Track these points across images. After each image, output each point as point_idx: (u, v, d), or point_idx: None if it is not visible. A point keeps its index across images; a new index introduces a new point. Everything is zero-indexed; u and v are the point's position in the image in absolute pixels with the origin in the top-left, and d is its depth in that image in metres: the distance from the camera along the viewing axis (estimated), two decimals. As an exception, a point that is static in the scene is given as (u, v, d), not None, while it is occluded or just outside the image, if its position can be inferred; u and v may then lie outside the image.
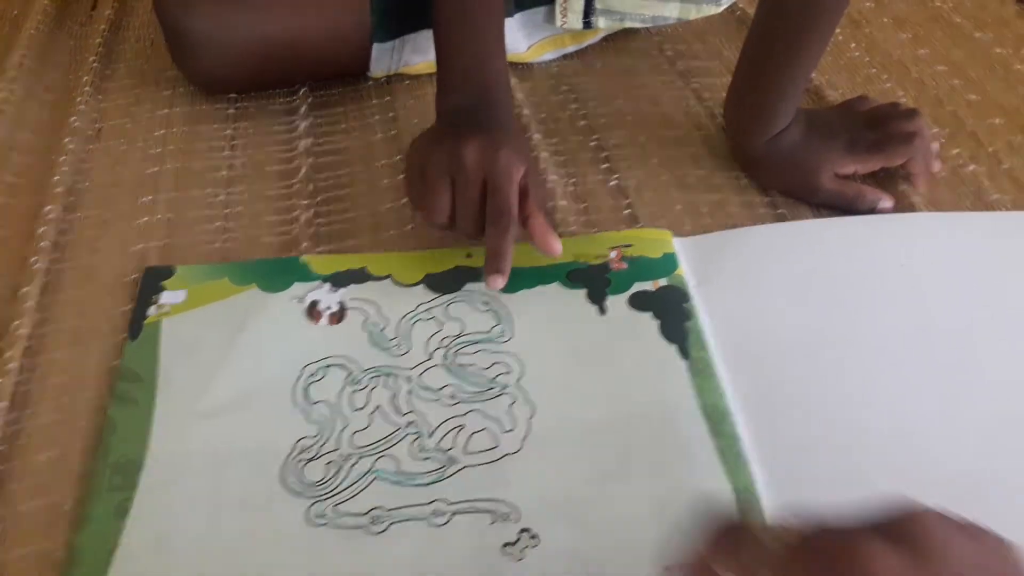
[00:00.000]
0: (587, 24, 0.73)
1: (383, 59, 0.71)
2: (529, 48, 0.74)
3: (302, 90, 0.72)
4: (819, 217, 0.60)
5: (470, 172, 0.51)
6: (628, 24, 0.75)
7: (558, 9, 0.72)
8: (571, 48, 0.77)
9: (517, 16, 0.72)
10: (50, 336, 0.52)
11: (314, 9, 0.67)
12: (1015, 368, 0.49)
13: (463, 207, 0.51)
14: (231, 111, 0.71)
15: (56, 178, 0.63)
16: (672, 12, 0.74)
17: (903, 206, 0.60)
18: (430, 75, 0.72)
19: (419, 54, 0.72)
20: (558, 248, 0.51)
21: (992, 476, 0.44)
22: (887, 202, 0.60)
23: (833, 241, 0.57)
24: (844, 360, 0.50)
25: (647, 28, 0.80)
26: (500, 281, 0.50)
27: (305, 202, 0.62)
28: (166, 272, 0.55)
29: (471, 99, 0.56)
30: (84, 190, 0.63)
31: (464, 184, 0.51)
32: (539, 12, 0.73)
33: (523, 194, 0.52)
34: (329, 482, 0.44)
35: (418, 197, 0.53)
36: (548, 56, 0.76)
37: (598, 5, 0.72)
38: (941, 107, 0.71)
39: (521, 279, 0.54)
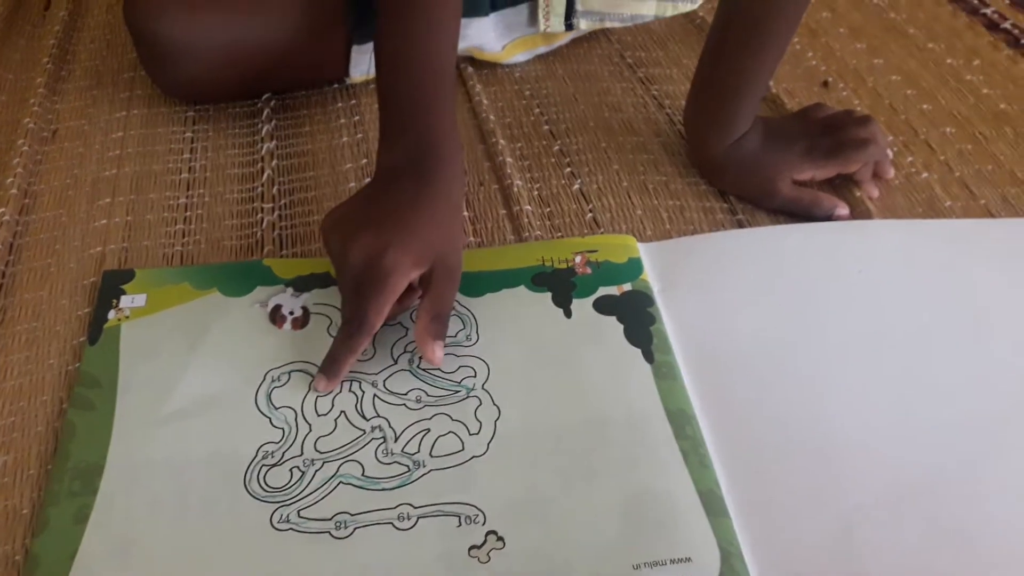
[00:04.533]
0: (569, 26, 0.74)
1: (362, 62, 0.70)
2: (503, 48, 0.74)
3: (265, 94, 0.72)
4: (777, 223, 0.61)
5: (347, 276, 0.49)
6: (608, 24, 0.75)
7: (540, 13, 0.73)
8: (543, 49, 0.77)
9: (492, 16, 0.72)
10: (6, 339, 0.51)
11: (290, 14, 0.66)
12: (969, 370, 0.51)
13: (343, 303, 0.49)
14: (190, 114, 0.70)
15: (10, 180, 0.62)
16: (650, 10, 0.75)
17: (859, 213, 0.62)
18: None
19: None
20: (438, 357, 0.48)
21: (948, 476, 0.45)
22: (843, 209, 0.61)
23: (794, 247, 0.58)
24: (804, 364, 0.51)
25: (608, 36, 0.80)
26: (323, 384, 0.48)
27: (269, 205, 0.61)
28: (126, 276, 0.54)
29: (410, 156, 0.52)
30: (39, 192, 0.62)
31: (342, 285, 0.50)
32: (513, 12, 0.73)
33: (424, 292, 0.49)
34: (293, 487, 0.44)
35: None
36: (520, 57, 0.76)
37: (579, 7, 0.73)
38: (895, 116, 0.72)
39: (486, 283, 0.54)
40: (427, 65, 0.53)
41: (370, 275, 0.47)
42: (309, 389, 0.48)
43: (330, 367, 0.48)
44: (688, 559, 0.41)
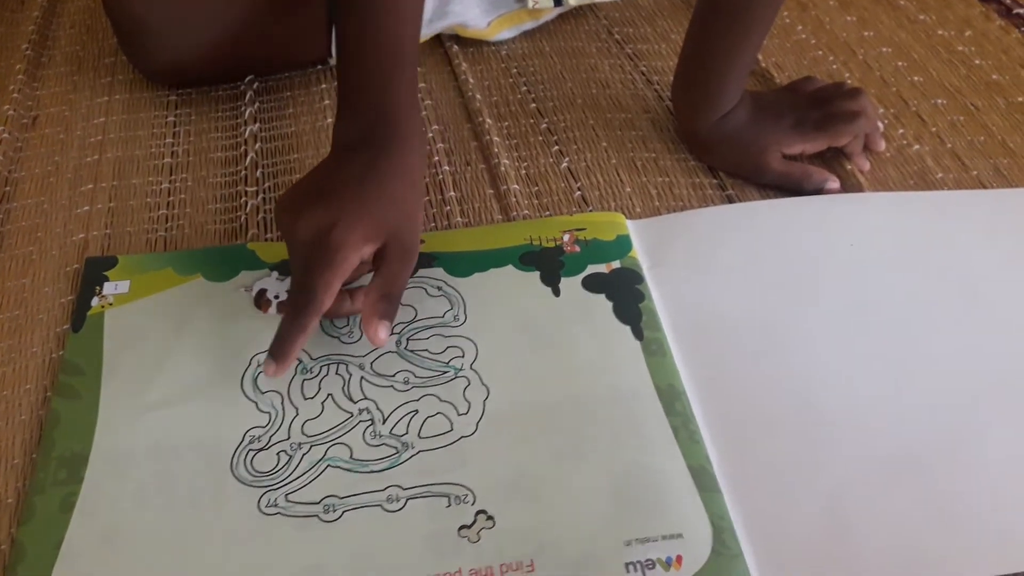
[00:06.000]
0: (557, 1, 0.73)
1: None
2: (489, 25, 0.73)
3: (248, 76, 0.71)
4: (767, 198, 0.60)
5: (296, 253, 0.47)
6: None
7: None
8: (529, 25, 0.76)
9: None
10: (-11, 327, 0.51)
11: None
12: (960, 343, 0.50)
13: (292, 281, 0.47)
14: (172, 98, 0.69)
15: (-10, 166, 0.61)
16: None
17: (850, 186, 0.61)
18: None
19: None
20: (381, 338, 0.45)
21: (937, 449, 0.45)
22: (833, 183, 0.60)
23: (783, 222, 0.58)
24: (794, 339, 0.50)
25: (596, 12, 0.79)
26: (272, 368, 0.44)
27: (252, 188, 0.60)
28: (109, 262, 0.54)
29: (366, 132, 0.50)
30: (20, 179, 0.61)
31: (292, 264, 0.47)
32: None
33: (376, 270, 0.47)
34: (280, 471, 0.43)
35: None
36: (506, 34, 0.75)
37: None
38: (886, 88, 0.72)
39: (474, 262, 0.54)
40: (386, 43, 0.51)
41: (318, 251, 0.45)
42: (296, 373, 0.48)
43: (279, 349, 0.44)
44: (680, 535, 0.41)
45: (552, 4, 0.73)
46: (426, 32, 0.72)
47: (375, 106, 0.51)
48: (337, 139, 0.52)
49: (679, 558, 0.40)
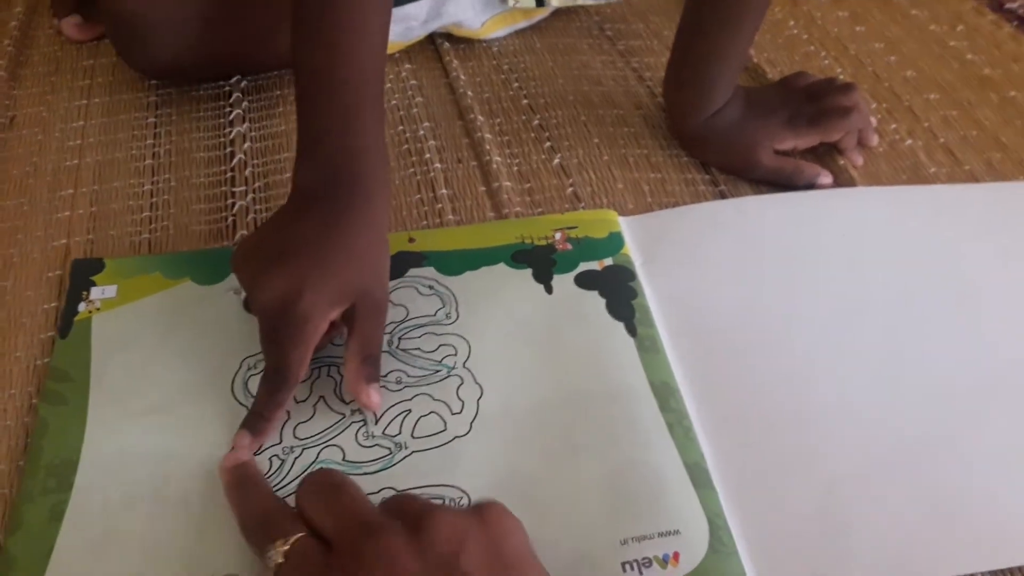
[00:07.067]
0: (540, 2, 0.72)
1: None
2: (483, 25, 0.73)
3: (235, 76, 0.70)
4: (759, 194, 0.60)
5: (262, 319, 0.44)
6: (580, 1, 0.74)
7: None
8: (523, 24, 0.76)
9: None
10: (-29, 331, 0.50)
11: None
12: (952, 338, 0.50)
13: (262, 347, 0.45)
14: (152, 99, 0.68)
15: (-32, 166, 0.60)
16: None
17: (842, 181, 0.61)
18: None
19: None
20: (375, 402, 0.44)
21: (932, 444, 0.45)
22: (825, 178, 0.60)
23: (775, 217, 0.57)
24: (787, 334, 0.50)
25: (587, 9, 0.79)
26: (247, 442, 0.43)
27: (242, 188, 0.60)
28: (96, 266, 0.53)
29: (327, 177, 0.47)
30: (-1, 180, 0.61)
31: (259, 326, 0.45)
32: None
33: (349, 332, 0.45)
34: (273, 476, 0.43)
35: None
36: (500, 33, 0.75)
37: None
38: (879, 83, 0.71)
39: (465, 261, 0.53)
40: (352, 79, 0.47)
41: (286, 323, 0.43)
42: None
43: (255, 423, 0.43)
44: (676, 531, 0.40)
45: (535, 5, 0.73)
46: (420, 32, 0.72)
47: (339, 149, 0.47)
48: (296, 184, 0.48)
49: (676, 555, 0.40)
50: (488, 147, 0.63)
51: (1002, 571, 0.40)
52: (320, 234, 0.45)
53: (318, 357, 0.48)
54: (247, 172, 0.61)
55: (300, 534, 0.33)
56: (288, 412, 0.45)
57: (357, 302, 0.44)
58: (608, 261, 0.53)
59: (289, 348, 0.43)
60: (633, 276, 0.52)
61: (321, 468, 0.36)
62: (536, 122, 0.67)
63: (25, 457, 0.44)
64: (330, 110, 0.47)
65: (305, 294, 0.43)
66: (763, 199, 0.59)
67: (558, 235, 0.55)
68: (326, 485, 0.35)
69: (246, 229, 0.56)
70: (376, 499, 0.41)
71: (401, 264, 0.53)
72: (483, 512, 0.33)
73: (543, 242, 0.54)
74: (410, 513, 0.33)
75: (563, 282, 0.52)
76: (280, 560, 0.32)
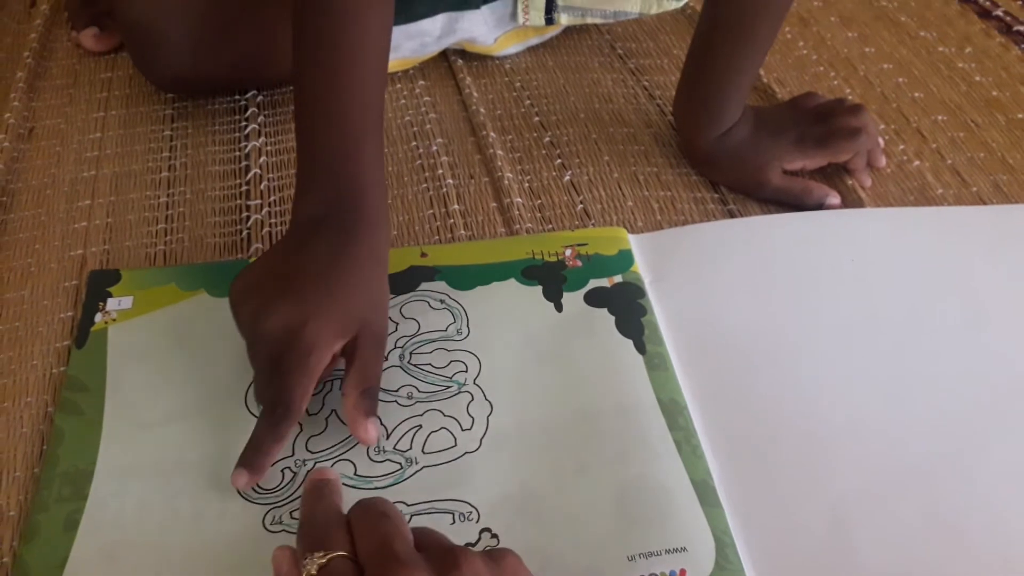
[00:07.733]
0: (549, 20, 0.73)
1: None
2: (496, 41, 0.74)
3: (250, 91, 0.71)
4: (767, 213, 0.60)
5: (262, 351, 0.44)
6: (590, 20, 0.74)
7: (520, 6, 0.72)
8: (535, 40, 0.77)
9: (484, 8, 0.71)
10: (-10, 338, 0.51)
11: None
12: (961, 359, 0.50)
13: (257, 381, 0.44)
14: (168, 112, 0.69)
15: (-11, 176, 0.61)
16: (634, 7, 0.74)
17: (850, 201, 0.61)
18: (397, 72, 0.72)
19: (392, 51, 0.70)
20: (372, 436, 0.44)
21: (940, 464, 0.45)
22: (834, 198, 0.61)
23: (785, 237, 0.58)
24: (796, 354, 0.50)
25: (599, 26, 0.80)
26: (244, 479, 0.42)
27: (257, 202, 0.60)
28: (112, 277, 0.53)
29: (329, 207, 0.47)
30: (17, 191, 0.61)
31: (254, 358, 0.44)
32: (502, 5, 0.72)
33: (349, 363, 0.45)
34: (284, 488, 0.43)
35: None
36: (513, 49, 0.76)
37: (559, 1, 0.72)
38: (887, 104, 0.72)
39: (476, 276, 0.54)
40: (353, 104, 0.47)
41: (290, 353, 0.42)
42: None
43: (254, 458, 0.42)
44: (683, 549, 0.41)
45: (544, 23, 0.73)
46: (434, 48, 0.73)
47: (341, 177, 0.47)
48: (297, 215, 0.48)
49: (683, 572, 0.40)
50: (500, 163, 0.64)
51: (1008, 592, 0.40)
52: (326, 264, 0.45)
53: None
54: (262, 186, 0.62)
55: (341, 552, 0.33)
56: (300, 425, 0.46)
57: (359, 333, 0.44)
58: (618, 278, 0.54)
59: (295, 379, 0.42)
60: (642, 293, 0.53)
61: (376, 496, 0.37)
62: (547, 139, 0.67)
63: (41, 466, 0.44)
64: (330, 143, 0.47)
65: (310, 325, 0.42)
66: (772, 219, 0.60)
67: (568, 252, 0.55)
68: (373, 511, 0.35)
69: (260, 242, 0.57)
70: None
71: (413, 278, 0.54)
72: (501, 562, 0.34)
73: (553, 258, 0.55)
74: (438, 553, 0.33)
75: (573, 299, 0.52)
76: (313, 572, 0.33)
